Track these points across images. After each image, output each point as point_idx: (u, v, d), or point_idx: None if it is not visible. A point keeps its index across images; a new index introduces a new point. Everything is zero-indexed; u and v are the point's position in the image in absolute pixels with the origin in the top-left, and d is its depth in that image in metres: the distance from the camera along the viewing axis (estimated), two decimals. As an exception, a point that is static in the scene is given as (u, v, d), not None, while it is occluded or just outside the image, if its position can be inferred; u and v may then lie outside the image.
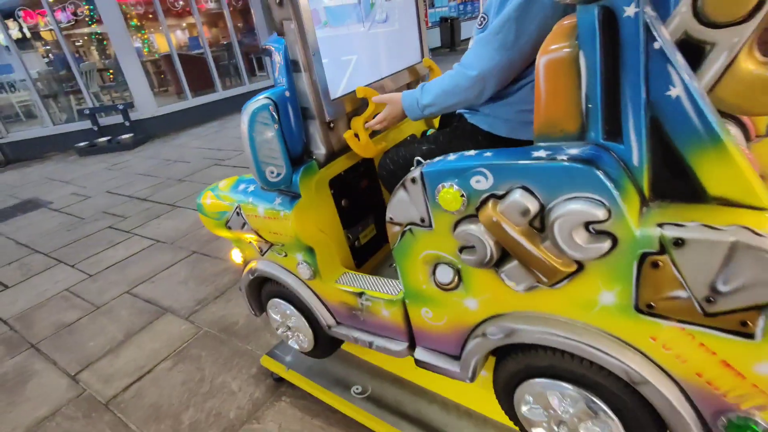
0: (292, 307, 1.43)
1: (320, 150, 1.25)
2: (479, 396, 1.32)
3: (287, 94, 1.16)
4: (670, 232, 0.67)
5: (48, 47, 7.84)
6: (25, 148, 7.02)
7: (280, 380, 1.71)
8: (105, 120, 7.06)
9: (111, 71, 7.96)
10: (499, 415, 1.20)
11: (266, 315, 1.60)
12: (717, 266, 0.65)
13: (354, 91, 1.28)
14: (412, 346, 1.19)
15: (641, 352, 0.80)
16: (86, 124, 6.95)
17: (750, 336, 0.67)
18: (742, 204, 0.66)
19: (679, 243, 0.67)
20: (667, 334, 0.75)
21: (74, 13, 7.07)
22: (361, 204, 1.50)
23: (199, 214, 1.49)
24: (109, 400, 1.78)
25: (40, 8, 6.86)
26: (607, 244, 0.72)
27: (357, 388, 1.51)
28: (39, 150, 7.07)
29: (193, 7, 7.73)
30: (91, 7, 6.82)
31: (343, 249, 1.43)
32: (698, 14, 0.70)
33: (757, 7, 0.65)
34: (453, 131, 1.23)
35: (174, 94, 8.11)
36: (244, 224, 1.34)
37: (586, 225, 0.73)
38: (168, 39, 7.43)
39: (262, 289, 1.53)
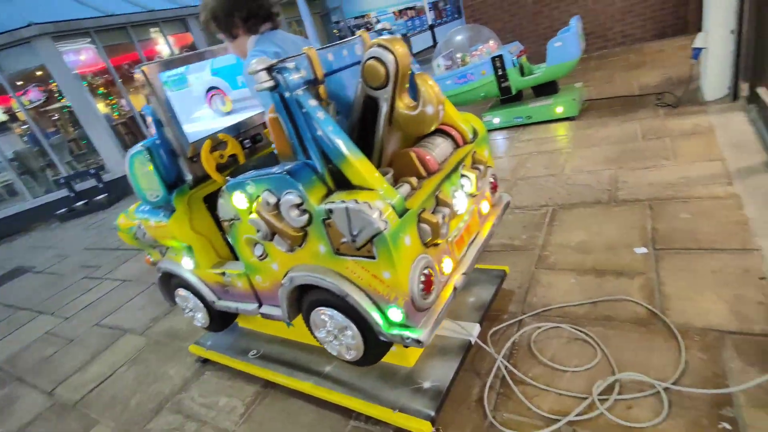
0: (189, 293, 1.92)
1: (188, 177, 1.75)
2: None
3: (158, 141, 1.68)
4: (328, 206, 1.18)
5: (26, 126, 8.42)
6: (9, 224, 7.53)
7: (205, 361, 2.18)
8: (82, 185, 7.60)
9: (83, 140, 8.54)
10: None
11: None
12: (346, 222, 1.15)
13: (214, 134, 1.78)
14: (260, 305, 1.67)
15: (344, 277, 1.28)
16: (64, 192, 7.48)
17: (374, 257, 1.17)
18: (365, 187, 1.18)
19: (330, 211, 1.17)
20: (350, 265, 1.24)
21: (44, 91, 7.70)
22: None
23: (118, 232, 2.00)
24: (76, 402, 2.24)
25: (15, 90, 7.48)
26: (306, 217, 1.23)
27: (253, 352, 1.99)
28: (23, 223, 7.58)
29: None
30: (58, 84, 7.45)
31: (221, 245, 1.92)
32: (366, 83, 1.24)
33: (387, 80, 1.19)
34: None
35: (142, 151, 8.66)
36: (145, 234, 1.85)
37: (296, 206, 1.23)
38: (128, 102, 8.05)
39: (170, 283, 2.02)
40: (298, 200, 1.21)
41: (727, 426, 1.18)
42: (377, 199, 1.13)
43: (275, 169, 1.26)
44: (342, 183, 1.23)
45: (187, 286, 1.91)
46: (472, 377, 1.58)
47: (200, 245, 1.78)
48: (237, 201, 1.38)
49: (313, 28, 8.59)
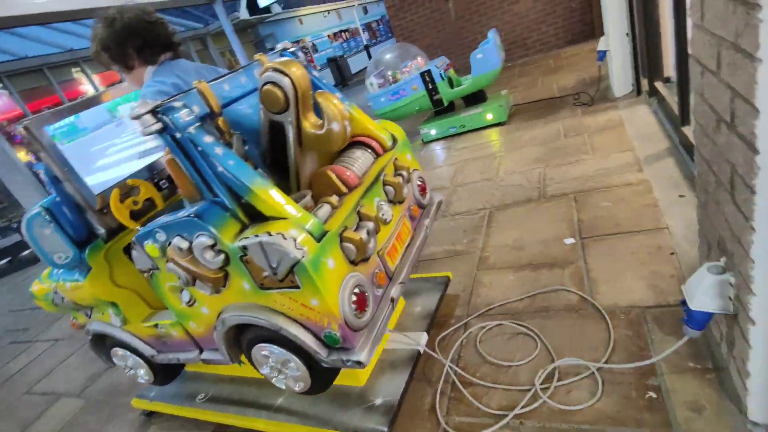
0: (125, 350, 1.80)
1: (101, 230, 1.63)
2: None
3: (58, 199, 1.54)
4: (242, 243, 1.14)
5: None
6: None
7: (150, 414, 2.04)
8: (3, 242, 6.96)
9: (3, 193, 7.86)
10: None
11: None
12: (263, 256, 1.11)
13: (121, 181, 1.68)
14: (201, 352, 1.59)
15: (274, 311, 1.24)
16: (-17, 252, 6.81)
17: (298, 287, 1.14)
18: (278, 217, 1.14)
19: (245, 248, 1.14)
20: (277, 297, 1.21)
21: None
22: None
23: (35, 301, 1.83)
24: (3, 484, 2.01)
25: None
26: (222, 257, 1.18)
27: (201, 396, 1.88)
28: (-64, 292, 6.78)
29: (71, 111, 7.91)
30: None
31: (153, 294, 1.81)
32: (267, 109, 1.23)
33: (287, 104, 1.18)
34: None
35: (73, 198, 8.12)
36: (63, 298, 1.71)
37: (210, 247, 1.18)
38: (52, 147, 7.53)
39: (104, 344, 1.88)
40: (210, 241, 1.16)
41: (653, 395, 1.26)
42: (291, 228, 1.10)
43: (182, 213, 1.21)
44: (256, 215, 1.18)
45: (123, 345, 1.78)
46: (424, 386, 1.59)
47: (126, 300, 1.68)
48: (150, 251, 1.31)
49: (246, 58, 8.53)
